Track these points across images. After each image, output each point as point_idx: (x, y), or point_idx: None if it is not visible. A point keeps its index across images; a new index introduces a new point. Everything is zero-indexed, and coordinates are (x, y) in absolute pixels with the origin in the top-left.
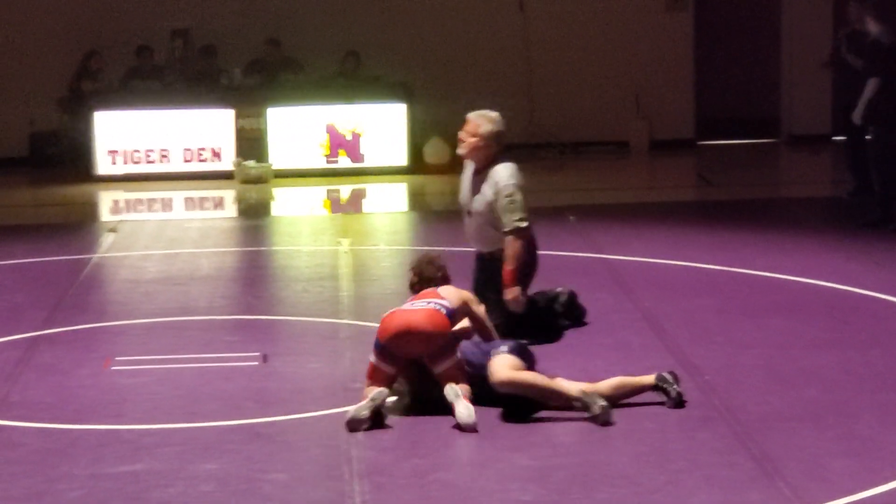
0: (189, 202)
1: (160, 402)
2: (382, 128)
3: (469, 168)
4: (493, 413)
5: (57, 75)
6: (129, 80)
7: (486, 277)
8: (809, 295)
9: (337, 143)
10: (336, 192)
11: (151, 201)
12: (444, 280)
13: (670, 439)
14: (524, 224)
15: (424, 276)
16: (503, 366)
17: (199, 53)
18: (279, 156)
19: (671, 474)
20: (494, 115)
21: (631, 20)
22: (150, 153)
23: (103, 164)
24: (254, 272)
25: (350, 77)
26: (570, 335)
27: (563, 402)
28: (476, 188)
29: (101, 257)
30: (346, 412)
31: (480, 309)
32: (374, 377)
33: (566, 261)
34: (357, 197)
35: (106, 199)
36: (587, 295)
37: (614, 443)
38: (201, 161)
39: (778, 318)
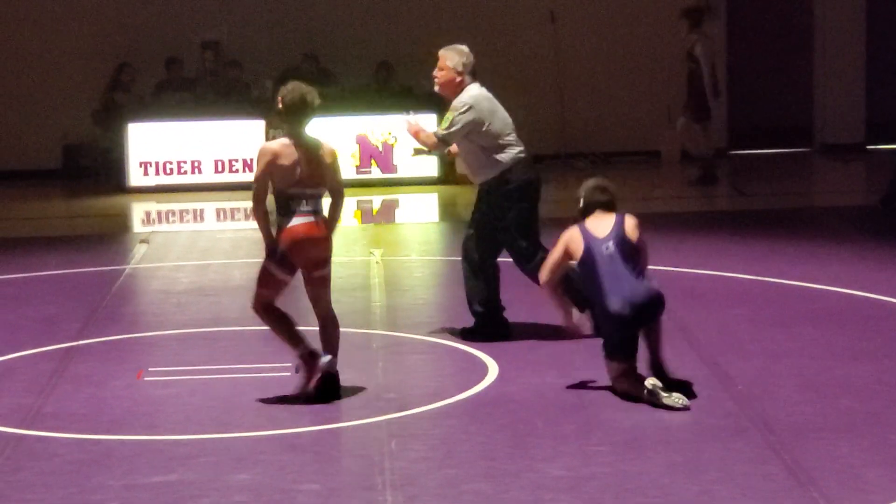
0: (220, 213)
1: (193, 412)
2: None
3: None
4: (527, 423)
5: (89, 88)
6: (160, 92)
7: (486, 207)
8: (843, 304)
9: (368, 153)
10: (368, 202)
11: (183, 212)
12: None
13: (703, 449)
14: (441, 133)
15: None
16: None
17: (225, 66)
18: None
19: (704, 485)
20: (462, 47)
21: (663, 30)
22: (181, 164)
23: (135, 176)
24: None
25: (382, 88)
26: (599, 344)
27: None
28: None
29: (133, 268)
30: (376, 421)
31: None
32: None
33: None
34: (389, 207)
35: (138, 211)
36: None
37: (647, 453)
38: (233, 172)
39: (811, 327)
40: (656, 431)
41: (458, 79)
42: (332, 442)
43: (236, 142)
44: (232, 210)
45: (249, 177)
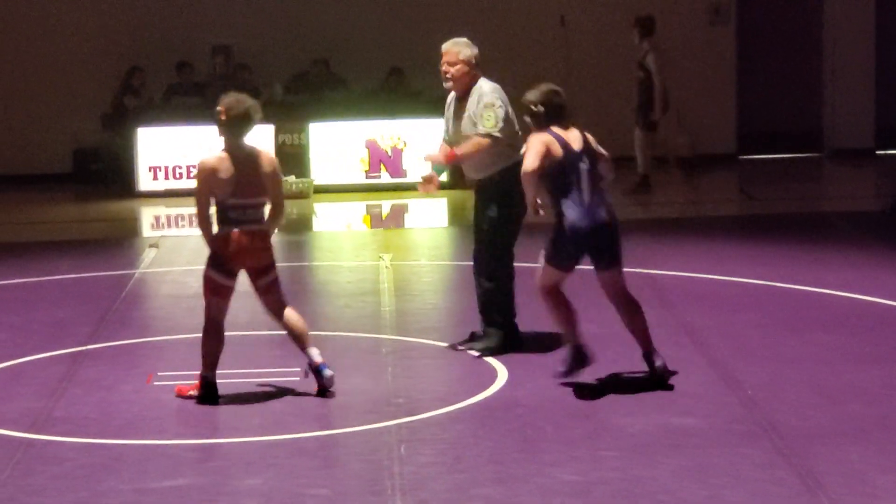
0: None
1: (203, 417)
2: (423, 143)
3: (451, 101)
4: (536, 428)
5: (100, 92)
6: (170, 96)
7: (485, 203)
8: (853, 309)
9: (377, 158)
10: (377, 207)
11: (193, 217)
12: None
13: (713, 454)
14: (497, 134)
15: None
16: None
17: (236, 70)
18: (320, 171)
19: (714, 489)
20: (466, 40)
21: (673, 34)
22: (191, 169)
23: (145, 180)
24: (295, 287)
25: (392, 93)
26: (614, 350)
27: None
28: (460, 114)
29: (143, 273)
30: (385, 426)
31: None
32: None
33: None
34: (398, 212)
35: (147, 215)
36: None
37: (657, 457)
38: None
39: (821, 332)
40: (665, 436)
41: (473, 72)
42: (341, 446)
43: None
44: None
45: None
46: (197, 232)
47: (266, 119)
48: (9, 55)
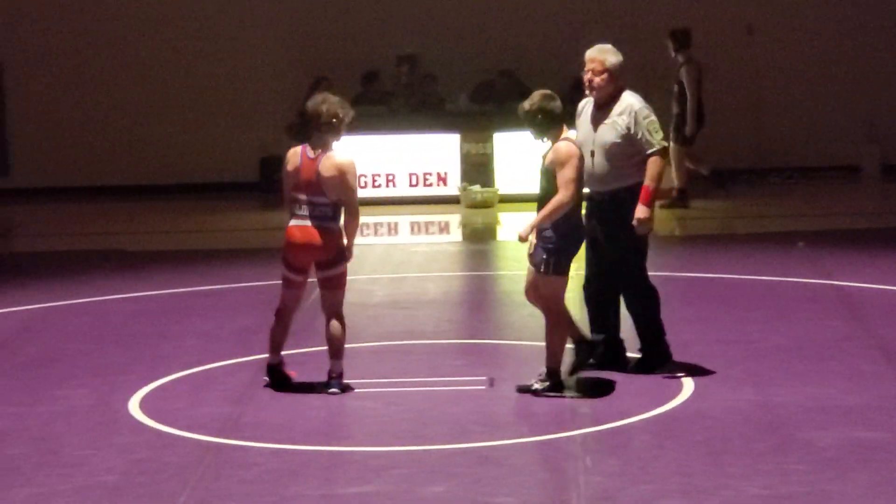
0: (415, 226)
1: (388, 424)
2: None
3: (587, 107)
4: (722, 441)
5: (287, 101)
6: (355, 105)
7: (606, 216)
8: None
9: None
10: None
11: (378, 225)
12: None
13: None
14: (666, 144)
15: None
16: None
17: (421, 80)
18: (505, 180)
19: None
20: (611, 47)
21: (865, 42)
22: (376, 178)
23: None
24: (479, 296)
25: (574, 104)
26: (799, 362)
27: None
28: (599, 122)
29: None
30: (570, 436)
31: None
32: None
33: (795, 287)
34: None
35: None
36: (817, 322)
37: (847, 473)
38: (427, 186)
39: None
40: (854, 450)
41: (617, 81)
42: (526, 456)
43: (430, 155)
44: (426, 223)
45: (444, 190)
46: (382, 241)
47: (451, 128)
48: (199, 67)
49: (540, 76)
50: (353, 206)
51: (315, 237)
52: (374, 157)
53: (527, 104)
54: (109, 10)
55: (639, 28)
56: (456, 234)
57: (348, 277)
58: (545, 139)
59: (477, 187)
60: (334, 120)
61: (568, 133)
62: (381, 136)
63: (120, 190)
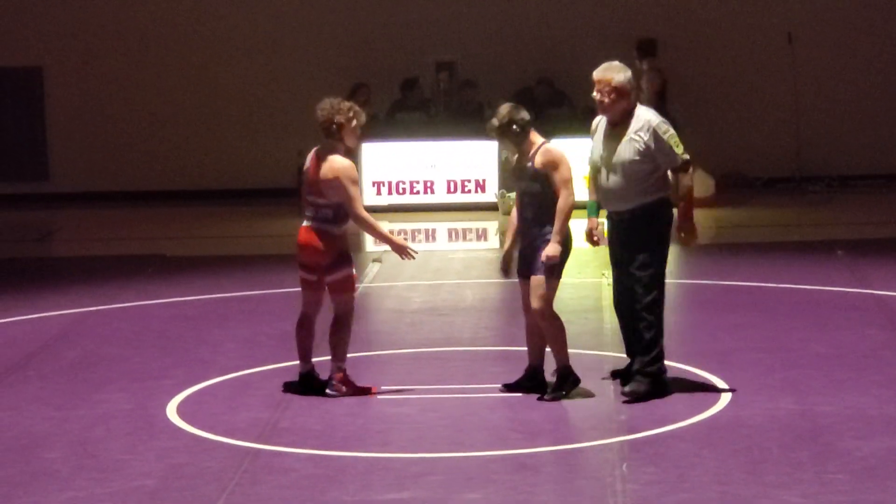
0: (453, 233)
1: (425, 431)
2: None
3: (601, 126)
4: (761, 449)
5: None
6: (395, 112)
7: (628, 236)
8: None
9: None
10: (600, 224)
11: (416, 232)
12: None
13: None
14: (688, 157)
15: None
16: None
17: (461, 87)
18: None
19: None
20: (618, 63)
21: None
22: (414, 184)
23: (369, 195)
24: (517, 304)
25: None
26: (838, 371)
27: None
28: (617, 140)
29: (366, 287)
30: (608, 443)
31: None
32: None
33: (834, 296)
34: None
35: None
36: (856, 331)
37: (887, 482)
38: (465, 192)
39: None
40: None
41: (627, 97)
42: (563, 463)
43: (469, 162)
44: (464, 230)
45: (482, 198)
46: (420, 247)
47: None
48: (238, 74)
49: (579, 84)
50: (353, 213)
51: (314, 239)
52: (412, 163)
53: (496, 120)
54: (150, 16)
55: (680, 37)
56: (493, 241)
57: (386, 284)
58: (519, 149)
59: (514, 194)
60: (333, 125)
61: (541, 138)
62: (419, 143)
63: (159, 195)
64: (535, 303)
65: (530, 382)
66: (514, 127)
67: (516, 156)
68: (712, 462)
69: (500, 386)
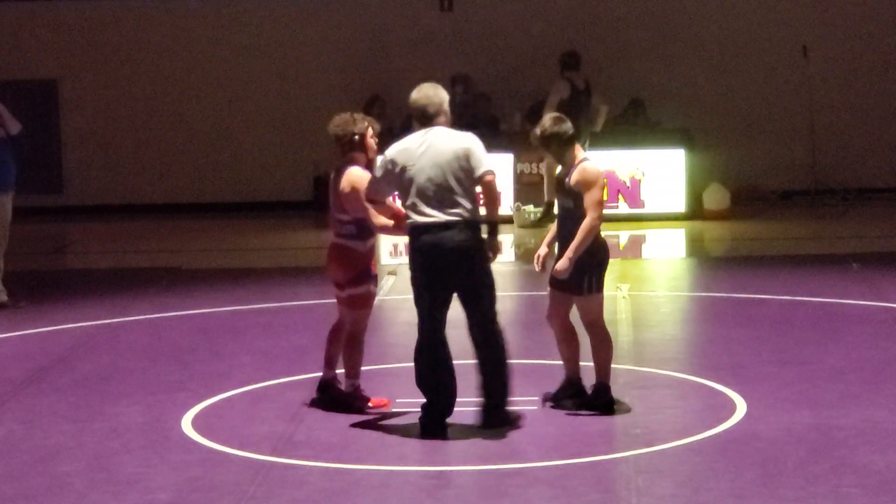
0: None
1: (440, 444)
2: (661, 174)
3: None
4: (776, 463)
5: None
6: (409, 124)
7: None
8: None
9: (615, 188)
10: (615, 237)
11: None
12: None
13: None
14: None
15: None
16: None
17: (475, 99)
18: None
19: None
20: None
21: None
22: None
23: None
24: (532, 316)
25: (632, 124)
26: (854, 384)
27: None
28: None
29: (381, 300)
30: (623, 456)
31: None
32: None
33: (849, 309)
34: (636, 242)
35: (387, 242)
36: (871, 344)
37: None
38: (481, 205)
39: None
40: None
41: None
42: (579, 476)
43: None
44: None
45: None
46: None
47: (505, 148)
48: (253, 87)
49: (597, 96)
50: (371, 222)
51: (338, 255)
52: None
53: (538, 130)
54: (164, 29)
55: (697, 49)
56: (509, 255)
57: (401, 297)
58: (562, 161)
59: (530, 207)
60: (354, 137)
61: (583, 153)
62: None
63: (173, 208)
64: (586, 321)
65: (566, 393)
66: (554, 142)
67: (559, 168)
68: (727, 476)
69: (539, 398)
